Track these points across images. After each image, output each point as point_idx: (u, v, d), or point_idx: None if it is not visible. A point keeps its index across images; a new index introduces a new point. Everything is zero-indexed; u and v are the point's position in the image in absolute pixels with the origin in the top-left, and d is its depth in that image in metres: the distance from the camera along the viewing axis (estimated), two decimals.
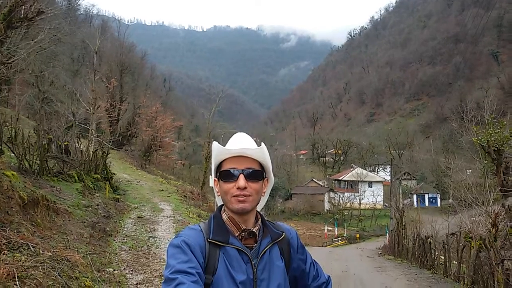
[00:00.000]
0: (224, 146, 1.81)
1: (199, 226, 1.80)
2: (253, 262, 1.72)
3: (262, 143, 1.82)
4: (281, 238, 1.85)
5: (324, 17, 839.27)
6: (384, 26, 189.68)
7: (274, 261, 1.78)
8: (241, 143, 1.79)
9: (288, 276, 1.85)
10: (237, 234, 1.76)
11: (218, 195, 1.83)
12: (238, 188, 1.71)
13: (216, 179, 1.82)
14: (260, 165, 1.81)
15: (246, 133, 1.91)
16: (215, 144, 1.80)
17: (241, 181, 1.71)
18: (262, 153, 1.79)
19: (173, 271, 1.54)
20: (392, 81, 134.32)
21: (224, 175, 1.76)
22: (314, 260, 2.01)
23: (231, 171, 1.74)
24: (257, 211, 1.85)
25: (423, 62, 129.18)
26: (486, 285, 9.81)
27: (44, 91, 24.13)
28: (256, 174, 1.76)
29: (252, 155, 1.77)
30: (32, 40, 10.30)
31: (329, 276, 2.04)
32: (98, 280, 6.55)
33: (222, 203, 1.84)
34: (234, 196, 1.72)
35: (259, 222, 1.84)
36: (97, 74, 26.46)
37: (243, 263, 1.70)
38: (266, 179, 1.85)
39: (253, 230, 1.78)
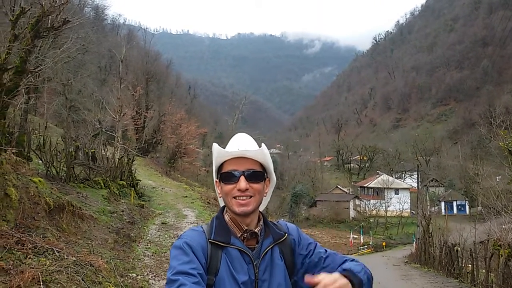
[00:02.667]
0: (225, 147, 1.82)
1: (202, 227, 1.81)
2: (254, 263, 1.72)
3: (263, 144, 1.82)
4: (283, 238, 1.83)
5: (348, 22, 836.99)
6: (410, 30, 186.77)
7: (275, 262, 1.77)
8: (241, 144, 1.80)
9: (303, 272, 1.76)
10: (239, 235, 1.76)
11: (220, 197, 1.85)
12: (239, 190, 1.72)
13: (218, 180, 1.84)
14: (261, 165, 1.81)
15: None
16: (215, 146, 1.82)
17: (242, 182, 1.72)
18: (262, 154, 1.79)
19: (175, 272, 1.56)
20: (419, 86, 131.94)
21: (225, 176, 1.77)
22: (325, 249, 1.87)
23: (232, 172, 1.76)
24: (259, 211, 1.84)
25: (450, 67, 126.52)
26: None
27: (72, 99, 24.66)
28: (257, 175, 1.77)
29: (253, 156, 1.77)
30: (59, 49, 10.57)
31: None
32: (121, 286, 6.61)
33: (224, 204, 1.85)
34: (235, 198, 1.74)
35: (261, 222, 1.83)
36: (123, 82, 26.93)
37: (245, 264, 1.71)
38: (267, 179, 1.85)
39: (255, 230, 1.78)
